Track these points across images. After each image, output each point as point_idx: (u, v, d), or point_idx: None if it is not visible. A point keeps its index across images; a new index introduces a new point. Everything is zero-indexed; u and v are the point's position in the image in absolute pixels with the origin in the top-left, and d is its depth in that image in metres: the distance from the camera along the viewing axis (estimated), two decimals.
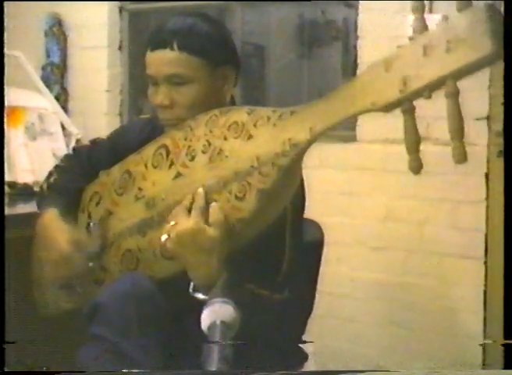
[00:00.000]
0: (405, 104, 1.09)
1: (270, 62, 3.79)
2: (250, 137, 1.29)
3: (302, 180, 1.45)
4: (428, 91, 1.06)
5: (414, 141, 1.10)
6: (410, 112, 1.10)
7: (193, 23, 1.44)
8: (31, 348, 1.79)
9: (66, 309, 1.60)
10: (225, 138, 1.33)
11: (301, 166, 1.34)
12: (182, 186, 1.38)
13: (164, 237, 1.33)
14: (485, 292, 2.48)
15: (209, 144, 1.35)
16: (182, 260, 1.33)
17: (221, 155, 1.33)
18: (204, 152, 1.36)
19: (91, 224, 1.54)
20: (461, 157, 1.04)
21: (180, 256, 1.32)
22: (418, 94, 1.07)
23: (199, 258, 1.29)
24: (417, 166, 1.11)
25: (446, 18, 1.05)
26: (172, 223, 1.32)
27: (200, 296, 1.28)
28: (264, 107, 1.31)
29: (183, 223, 1.30)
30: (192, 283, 1.31)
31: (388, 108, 1.11)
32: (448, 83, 1.04)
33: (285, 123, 1.25)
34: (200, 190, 1.32)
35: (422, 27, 1.08)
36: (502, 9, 1.08)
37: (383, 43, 2.61)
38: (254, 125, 1.29)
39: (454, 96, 1.04)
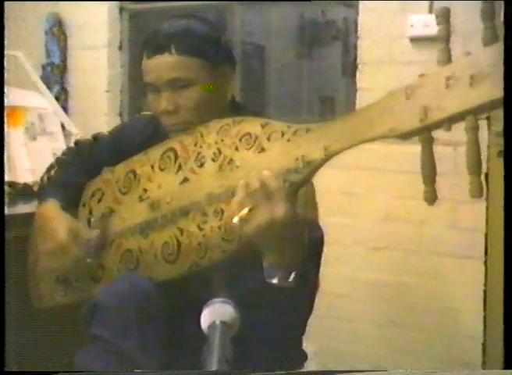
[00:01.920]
0: (424, 134, 1.08)
1: (270, 62, 3.79)
2: (262, 149, 1.28)
3: None
4: (448, 123, 1.04)
5: (430, 172, 1.09)
6: (428, 143, 1.08)
7: (188, 24, 1.43)
8: (30, 347, 1.80)
9: (61, 303, 1.60)
10: (237, 148, 1.32)
11: (311, 181, 1.33)
12: (188, 191, 1.38)
13: (236, 220, 1.22)
14: (485, 292, 2.48)
15: (220, 152, 1.35)
16: (263, 245, 1.25)
17: (231, 164, 1.32)
18: (213, 160, 1.35)
19: (92, 221, 1.55)
20: (478, 192, 1.03)
21: (263, 241, 1.24)
22: (438, 125, 1.05)
23: (287, 244, 1.23)
24: (431, 198, 1.10)
25: (469, 53, 1.02)
26: (246, 210, 1.22)
27: (276, 281, 1.25)
28: (278, 121, 1.30)
29: (270, 208, 1.20)
30: (268, 269, 1.25)
31: (406, 136, 1.09)
32: (468, 118, 1.02)
33: (299, 139, 1.24)
34: (267, 172, 1.23)
35: (446, 59, 1.06)
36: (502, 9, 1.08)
37: (383, 43, 2.62)
38: (268, 138, 1.28)
39: (474, 131, 1.02)
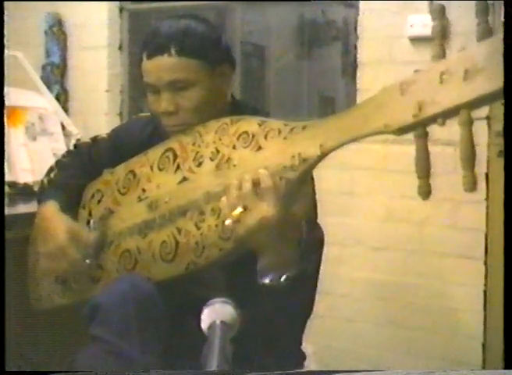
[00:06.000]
0: (418, 129, 1.08)
1: (270, 62, 3.80)
2: (259, 148, 1.30)
3: None
4: (442, 118, 1.05)
5: (424, 166, 1.10)
6: (422, 138, 1.09)
7: (187, 25, 1.43)
8: (30, 347, 1.79)
9: (60, 305, 1.60)
10: (234, 147, 1.33)
11: (310, 180, 1.33)
12: (186, 190, 1.38)
13: (228, 222, 1.23)
14: (485, 292, 2.48)
15: (217, 151, 1.36)
16: (256, 245, 1.24)
17: (229, 163, 1.33)
18: (211, 159, 1.36)
19: (91, 222, 1.55)
20: (471, 186, 1.04)
21: (256, 242, 1.24)
22: (432, 120, 1.06)
23: (280, 244, 1.23)
24: (426, 192, 1.11)
25: (463, 47, 1.03)
26: (240, 209, 1.22)
27: (268, 281, 1.25)
28: (276, 119, 1.31)
29: (261, 209, 1.21)
30: (261, 269, 1.25)
31: (400, 131, 1.10)
32: (462, 112, 1.03)
33: (296, 137, 1.25)
34: (263, 171, 1.23)
35: (440, 54, 1.07)
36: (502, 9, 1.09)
37: (383, 43, 2.62)
38: (265, 137, 1.29)
39: (468, 125, 1.03)
